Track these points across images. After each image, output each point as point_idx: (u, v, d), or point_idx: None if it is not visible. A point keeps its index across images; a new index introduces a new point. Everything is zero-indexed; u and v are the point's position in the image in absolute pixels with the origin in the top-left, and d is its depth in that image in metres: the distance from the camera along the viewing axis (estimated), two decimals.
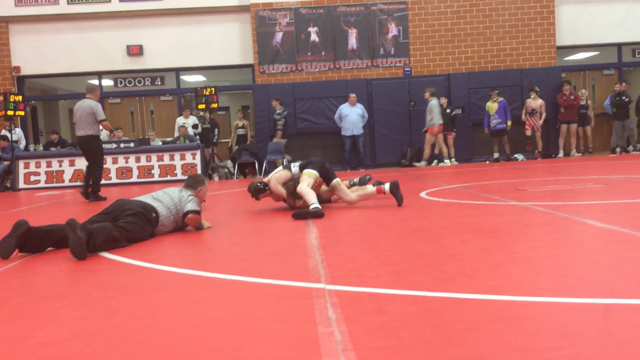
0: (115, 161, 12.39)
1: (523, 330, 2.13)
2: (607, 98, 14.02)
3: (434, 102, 12.98)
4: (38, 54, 14.39)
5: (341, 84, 14.04)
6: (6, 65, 14.40)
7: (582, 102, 13.74)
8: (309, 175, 5.79)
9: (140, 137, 13.58)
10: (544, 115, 13.48)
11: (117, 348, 2.18)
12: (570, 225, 4.44)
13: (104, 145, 9.48)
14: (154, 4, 14.29)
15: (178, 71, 14.97)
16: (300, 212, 5.37)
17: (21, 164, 12.41)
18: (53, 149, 13.44)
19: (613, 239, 3.79)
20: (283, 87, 14.10)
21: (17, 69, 14.47)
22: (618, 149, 13.58)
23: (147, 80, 15.07)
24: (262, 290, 2.94)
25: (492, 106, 13.43)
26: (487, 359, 1.89)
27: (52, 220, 4.56)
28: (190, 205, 4.81)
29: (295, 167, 6.14)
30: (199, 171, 12.24)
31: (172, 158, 12.58)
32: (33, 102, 15.48)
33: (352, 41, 14.40)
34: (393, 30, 14.41)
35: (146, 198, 4.73)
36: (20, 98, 12.56)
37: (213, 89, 12.77)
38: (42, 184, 12.37)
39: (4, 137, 12.92)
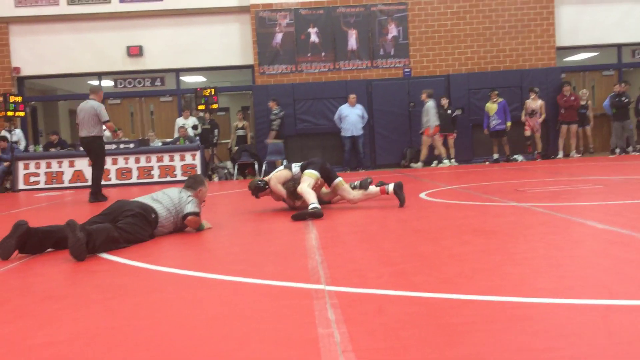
0: (115, 162, 12.38)
1: (523, 331, 2.13)
2: (606, 99, 14.02)
3: (430, 104, 13.04)
4: (38, 54, 14.39)
5: (341, 84, 14.05)
6: (6, 66, 14.40)
7: (583, 103, 13.75)
8: (310, 176, 5.79)
9: (140, 138, 13.58)
10: (543, 116, 13.49)
11: (117, 348, 2.18)
12: (570, 226, 4.44)
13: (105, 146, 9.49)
14: (153, 4, 14.29)
15: (178, 72, 14.97)
16: (300, 213, 5.37)
17: (21, 164, 12.41)
18: (53, 149, 13.44)
19: (612, 240, 3.79)
20: (283, 88, 14.10)
21: (17, 69, 14.47)
22: (618, 150, 13.58)
23: (147, 81, 15.07)
24: (261, 291, 2.94)
25: (491, 107, 13.44)
26: None
27: (51, 221, 4.56)
28: (190, 207, 4.81)
29: (295, 167, 6.14)
30: (199, 172, 12.24)
31: (171, 159, 12.58)
32: (33, 102, 15.47)
33: (352, 42, 14.41)
34: (393, 31, 14.41)
35: (146, 199, 4.73)
36: (19, 99, 12.56)
37: (213, 89, 12.77)
38: (41, 185, 12.37)
39: (4, 138, 12.92)
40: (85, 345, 2.23)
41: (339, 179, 6.03)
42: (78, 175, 12.34)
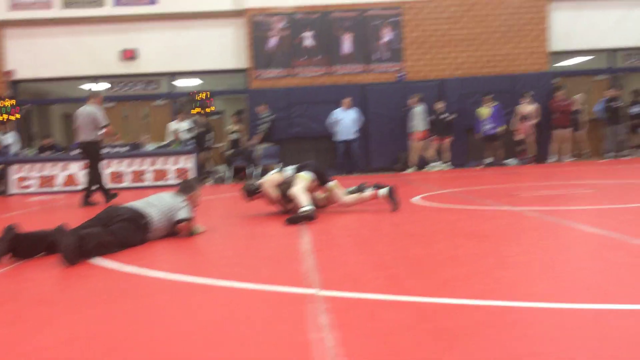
0: (108, 165, 12.34)
1: (516, 336, 2.13)
2: (599, 103, 14.09)
3: (418, 109, 13.13)
4: (32, 58, 14.33)
5: (336, 88, 14.07)
6: (0, 70, 14.35)
7: (577, 107, 13.82)
8: (303, 178, 5.78)
9: (134, 142, 13.54)
10: (536, 120, 13.53)
11: (110, 354, 2.17)
12: (562, 231, 4.46)
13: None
14: (148, 8, 14.28)
15: (172, 75, 14.95)
16: (294, 216, 5.36)
17: (14, 168, 12.35)
18: (46, 153, 13.38)
19: (604, 243, 3.81)
20: (278, 92, 14.11)
21: (10, 73, 14.41)
22: (610, 154, 13.64)
23: (141, 84, 15.04)
24: (255, 295, 2.93)
25: (483, 112, 13.51)
26: None
27: (43, 226, 4.54)
28: (183, 213, 4.79)
29: (289, 170, 6.13)
30: (193, 176, 12.22)
31: (165, 162, 12.56)
32: (28, 106, 15.41)
33: (347, 46, 14.44)
34: (387, 35, 14.45)
35: (139, 203, 4.71)
36: (13, 102, 12.51)
37: (208, 93, 12.77)
38: (34, 189, 12.31)
39: None
40: (77, 350, 2.22)
41: (333, 182, 6.03)
42: (71, 179, 12.29)
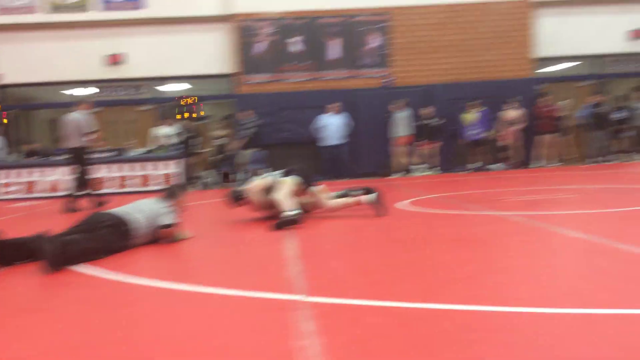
0: (94, 171, 12.23)
1: (501, 341, 2.14)
2: (583, 109, 14.22)
3: (400, 114, 13.20)
4: (18, 62, 14.21)
5: (323, 94, 14.08)
6: None
7: (561, 114, 13.95)
8: (288, 183, 5.77)
9: (120, 147, 13.45)
10: (522, 125, 13.61)
11: None
12: (547, 235, 4.48)
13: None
14: (135, 13, 14.22)
15: (159, 80, 14.89)
16: (280, 222, 5.35)
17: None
18: (32, 158, 13.26)
19: (589, 248, 3.84)
20: (265, 97, 14.10)
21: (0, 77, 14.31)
22: (594, 159, 13.76)
23: (128, 89, 14.96)
24: (239, 302, 2.92)
25: (468, 117, 13.61)
26: None
27: (28, 232, 4.49)
28: (167, 219, 4.76)
29: (275, 175, 6.13)
30: (179, 181, 12.15)
31: (152, 168, 12.49)
32: (15, 110, 15.26)
33: (334, 51, 14.47)
34: (374, 41, 14.50)
35: (122, 210, 4.68)
36: None
37: (195, 98, 12.73)
38: (19, 195, 12.18)
39: None
40: (60, 359, 2.19)
41: (319, 187, 6.03)
42: (54, 185, 12.19)
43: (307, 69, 14.42)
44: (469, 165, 13.82)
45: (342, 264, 3.77)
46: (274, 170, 6.42)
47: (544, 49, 14.72)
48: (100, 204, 8.75)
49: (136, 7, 14.21)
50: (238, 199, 6.17)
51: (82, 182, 8.96)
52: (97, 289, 3.41)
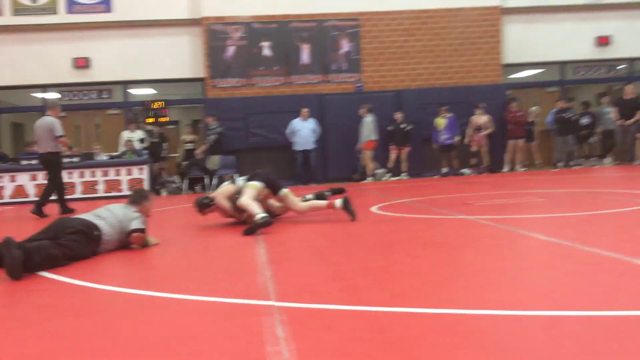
0: (64, 176, 11.99)
1: (472, 345, 2.14)
2: (550, 114, 14.49)
3: (367, 119, 13.29)
4: None
5: (294, 98, 14.05)
6: None
7: (531, 119, 14.20)
8: (252, 188, 5.72)
9: (86, 152, 13.21)
10: (489, 130, 13.79)
11: None
12: (516, 239, 4.54)
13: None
14: (102, 16, 14.00)
15: (126, 84, 14.68)
16: (249, 227, 5.30)
17: None
18: None
19: (556, 251, 3.89)
20: (235, 102, 14.01)
21: None
22: (560, 164, 14.03)
23: (94, 93, 14.71)
24: (210, 308, 2.87)
25: (440, 122, 13.74)
26: None
27: None
28: (135, 224, 4.68)
29: (240, 180, 6.08)
30: (146, 187, 11.98)
31: (118, 173, 12.28)
32: None
33: (305, 56, 14.47)
34: (345, 46, 14.55)
35: (89, 216, 4.58)
36: None
37: (163, 102, 12.59)
38: None
39: None
40: None
41: (285, 190, 5.99)
42: (19, 191, 11.90)
43: (278, 73, 14.39)
44: (439, 170, 13.93)
45: (313, 269, 3.75)
46: (242, 175, 6.38)
47: (511, 56, 14.97)
48: (67, 210, 8.57)
49: (103, 11, 14.00)
50: (205, 207, 6.13)
51: (53, 187, 8.77)
52: (64, 296, 3.32)
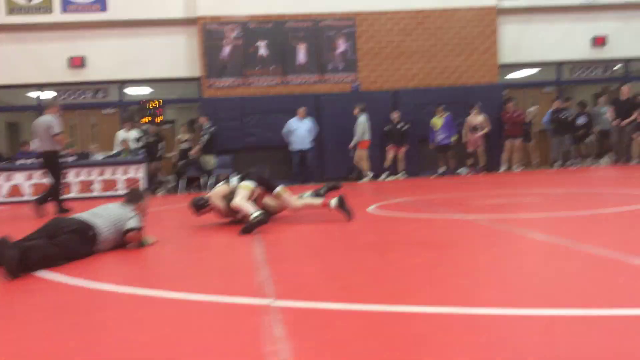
0: (64, 175, 11.95)
1: (469, 343, 2.14)
2: (546, 114, 14.52)
3: (361, 119, 13.27)
4: None
5: (290, 98, 14.05)
6: None
7: (528, 119, 14.22)
8: (245, 188, 5.70)
9: (82, 151, 13.18)
10: (485, 130, 13.81)
11: None
12: (513, 238, 4.54)
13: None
14: (97, 15, 13.97)
15: (122, 84, 14.65)
16: (246, 226, 5.28)
17: None
18: None
19: (553, 251, 3.89)
20: (231, 101, 13.99)
21: None
22: (557, 164, 14.06)
23: (89, 92, 14.68)
24: (207, 308, 2.86)
25: (436, 122, 13.75)
26: None
27: None
28: (132, 223, 4.66)
29: (235, 180, 6.06)
30: (143, 186, 11.96)
31: (114, 173, 12.26)
32: None
33: (301, 56, 14.47)
34: (341, 46, 14.55)
35: (86, 214, 4.57)
36: None
37: (160, 101, 12.56)
38: None
39: None
40: None
41: (279, 188, 5.97)
42: (15, 190, 11.86)
43: (274, 73, 14.38)
44: (436, 170, 13.94)
45: (311, 268, 3.74)
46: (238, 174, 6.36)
47: (507, 56, 14.99)
48: (64, 209, 8.54)
49: (98, 10, 13.97)
50: (200, 207, 6.11)
51: (52, 186, 8.74)
52: (61, 295, 3.31)
